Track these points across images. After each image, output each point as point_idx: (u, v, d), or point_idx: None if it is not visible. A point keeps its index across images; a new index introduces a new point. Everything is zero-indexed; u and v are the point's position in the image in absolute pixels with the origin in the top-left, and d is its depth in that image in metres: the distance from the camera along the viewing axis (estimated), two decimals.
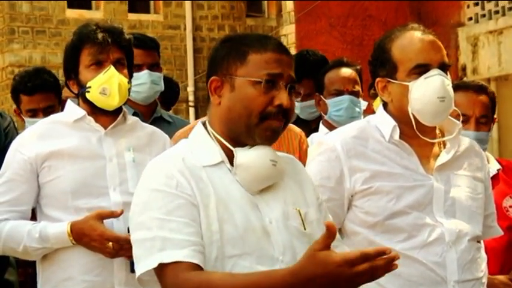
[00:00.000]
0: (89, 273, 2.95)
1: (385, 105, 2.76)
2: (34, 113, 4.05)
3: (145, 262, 2.07)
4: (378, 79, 2.72)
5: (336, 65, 4.17)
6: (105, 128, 3.06)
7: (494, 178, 3.27)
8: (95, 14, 15.08)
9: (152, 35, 5.18)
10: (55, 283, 2.99)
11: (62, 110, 3.28)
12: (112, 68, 3.00)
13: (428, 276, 2.60)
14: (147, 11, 16.10)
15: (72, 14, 15.02)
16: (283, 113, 2.17)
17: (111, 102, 3.01)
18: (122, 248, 2.86)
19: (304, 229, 2.21)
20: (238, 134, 2.18)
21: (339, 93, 4.09)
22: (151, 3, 16.14)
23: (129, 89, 3.08)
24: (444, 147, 2.74)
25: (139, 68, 3.88)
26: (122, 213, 2.88)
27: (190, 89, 15.47)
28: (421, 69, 2.63)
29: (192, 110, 15.45)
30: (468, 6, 9.62)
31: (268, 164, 2.17)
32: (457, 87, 2.83)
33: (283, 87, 2.16)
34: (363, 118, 3.47)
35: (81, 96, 3.07)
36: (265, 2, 17.07)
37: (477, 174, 2.78)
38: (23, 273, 3.82)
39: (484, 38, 9.34)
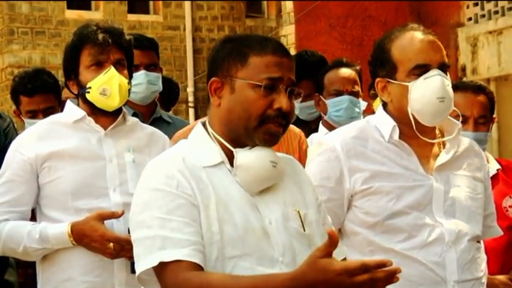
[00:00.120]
0: (89, 274, 2.95)
1: (384, 105, 2.76)
2: (34, 114, 4.04)
3: (145, 260, 2.07)
4: (377, 79, 2.72)
5: (336, 66, 4.17)
6: (105, 128, 3.06)
7: (494, 178, 3.26)
8: (95, 15, 15.06)
9: (152, 35, 5.18)
10: (55, 284, 2.99)
11: (62, 111, 3.28)
12: (112, 68, 3.00)
13: (428, 276, 2.60)
14: (147, 12, 16.09)
15: (72, 14, 15.01)
16: (283, 116, 2.17)
17: (111, 103, 3.01)
18: (122, 249, 2.87)
19: (304, 230, 2.21)
20: (238, 135, 2.18)
21: (339, 93, 4.09)
22: (151, 3, 16.13)
23: (129, 90, 3.08)
24: (444, 147, 2.74)
25: (136, 68, 3.86)
26: (122, 213, 2.88)
27: (190, 89, 15.47)
28: (420, 70, 2.63)
29: (191, 111, 15.44)
30: (468, 7, 9.62)
31: (268, 165, 2.17)
32: (455, 88, 2.82)
33: (283, 91, 2.16)
34: (362, 118, 3.47)
35: (81, 97, 3.07)
36: (265, 2, 17.05)
37: (477, 174, 2.78)
38: (22, 273, 3.81)
39: (483, 38, 9.33)
